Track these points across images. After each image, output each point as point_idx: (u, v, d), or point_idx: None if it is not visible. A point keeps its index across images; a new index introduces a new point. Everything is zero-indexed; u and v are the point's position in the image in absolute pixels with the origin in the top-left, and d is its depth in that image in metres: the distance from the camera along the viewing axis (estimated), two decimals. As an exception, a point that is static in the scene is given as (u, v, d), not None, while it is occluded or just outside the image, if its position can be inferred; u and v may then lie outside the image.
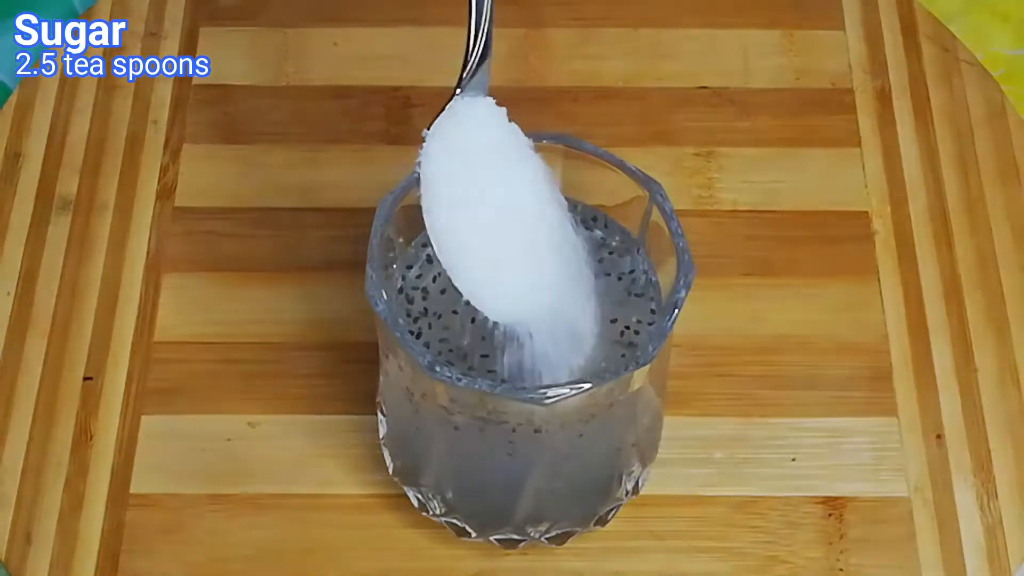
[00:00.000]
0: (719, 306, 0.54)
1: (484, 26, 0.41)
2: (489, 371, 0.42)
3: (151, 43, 0.61)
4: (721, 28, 0.62)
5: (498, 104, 0.41)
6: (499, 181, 0.40)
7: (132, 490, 0.50)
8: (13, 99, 0.60)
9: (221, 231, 0.56)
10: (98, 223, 0.56)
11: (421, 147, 0.40)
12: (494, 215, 0.40)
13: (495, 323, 0.41)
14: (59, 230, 0.56)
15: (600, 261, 0.45)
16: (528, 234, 0.41)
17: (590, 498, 0.46)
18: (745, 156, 0.59)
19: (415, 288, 0.44)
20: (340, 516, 0.50)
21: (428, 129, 0.40)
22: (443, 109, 0.40)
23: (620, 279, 0.44)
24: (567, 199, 0.42)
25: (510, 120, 0.41)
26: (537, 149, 0.42)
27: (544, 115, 0.59)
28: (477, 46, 0.41)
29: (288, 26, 0.62)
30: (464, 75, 0.41)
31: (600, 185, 0.44)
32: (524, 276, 0.41)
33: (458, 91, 0.41)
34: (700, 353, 0.53)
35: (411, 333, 0.43)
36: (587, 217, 0.45)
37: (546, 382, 0.41)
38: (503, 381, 0.41)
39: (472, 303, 0.40)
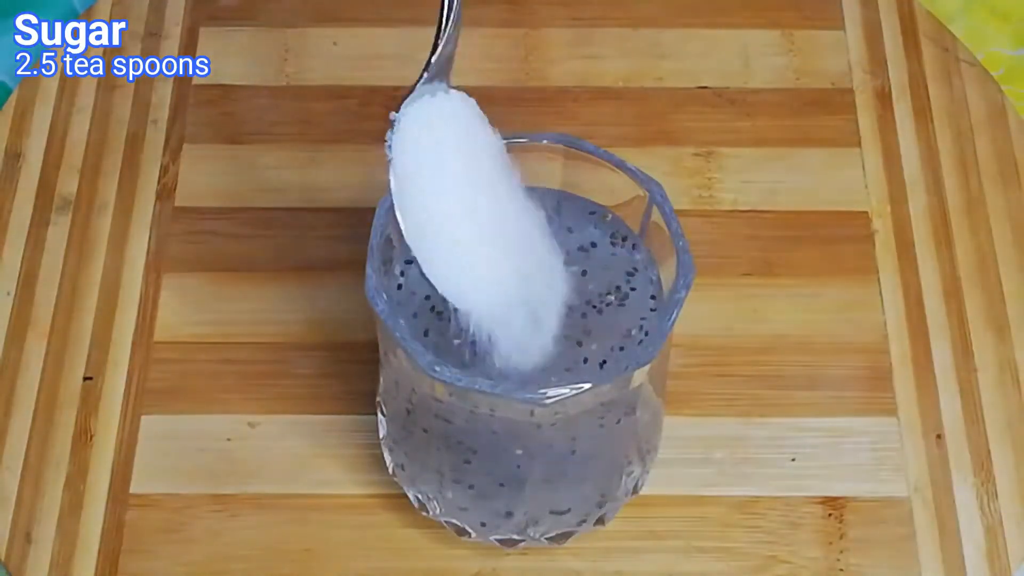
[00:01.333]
0: (719, 306, 0.54)
1: (455, 7, 0.41)
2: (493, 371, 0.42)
3: (151, 43, 0.61)
4: (721, 28, 0.62)
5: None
6: (468, 171, 0.41)
7: (132, 490, 0.50)
8: (13, 99, 0.60)
9: (221, 231, 0.56)
10: (98, 223, 0.56)
11: (390, 130, 0.40)
12: (462, 204, 0.40)
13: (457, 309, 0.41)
14: (59, 230, 0.56)
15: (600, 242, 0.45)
16: (495, 225, 0.41)
17: (590, 498, 0.46)
18: (745, 156, 0.59)
19: (415, 287, 0.44)
20: (340, 516, 0.50)
21: (397, 112, 0.40)
22: (411, 90, 0.40)
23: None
24: (570, 195, 0.42)
25: (483, 116, 0.41)
26: (537, 149, 0.42)
27: (544, 115, 0.59)
28: (447, 27, 0.41)
29: (288, 26, 0.62)
30: (432, 59, 0.41)
31: (600, 185, 0.44)
32: (488, 264, 0.41)
33: (425, 75, 0.41)
34: (700, 353, 0.53)
35: (411, 332, 0.43)
36: (585, 212, 0.45)
37: (516, 364, 0.41)
38: (508, 372, 0.41)
39: (435, 286, 0.41)
